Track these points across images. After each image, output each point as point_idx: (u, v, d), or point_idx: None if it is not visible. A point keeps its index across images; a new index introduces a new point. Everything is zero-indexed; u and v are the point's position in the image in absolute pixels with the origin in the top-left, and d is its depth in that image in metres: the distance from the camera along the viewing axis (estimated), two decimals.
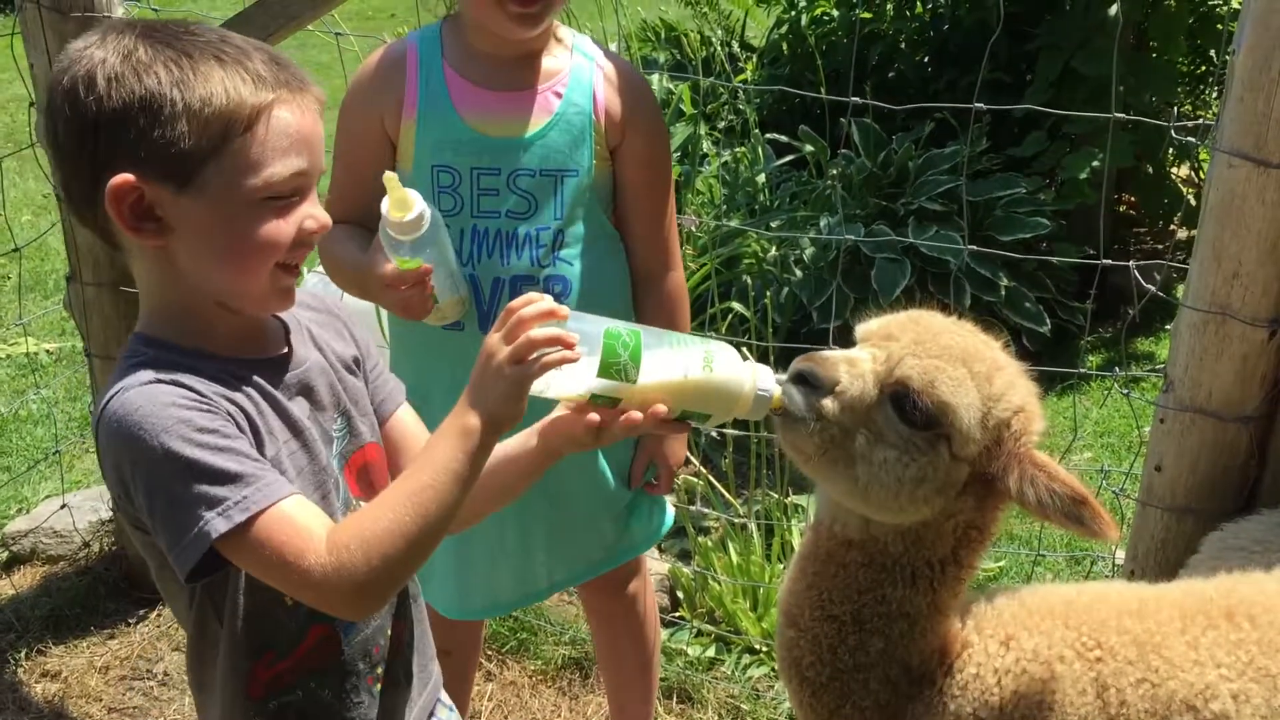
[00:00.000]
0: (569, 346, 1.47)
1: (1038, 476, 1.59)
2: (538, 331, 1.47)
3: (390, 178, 1.97)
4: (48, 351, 5.61)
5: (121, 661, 3.50)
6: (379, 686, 1.70)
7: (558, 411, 1.62)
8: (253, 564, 1.43)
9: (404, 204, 2.02)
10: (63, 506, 3.92)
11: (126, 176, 1.42)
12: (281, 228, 1.49)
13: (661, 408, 1.51)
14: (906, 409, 1.61)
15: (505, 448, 1.69)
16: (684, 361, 1.53)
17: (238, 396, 1.50)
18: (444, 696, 1.91)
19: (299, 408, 1.59)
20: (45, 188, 7.00)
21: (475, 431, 1.47)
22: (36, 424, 4.88)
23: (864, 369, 1.64)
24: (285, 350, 1.62)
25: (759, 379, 1.57)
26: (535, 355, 1.46)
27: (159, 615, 3.69)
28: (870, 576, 1.71)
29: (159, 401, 1.40)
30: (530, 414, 1.56)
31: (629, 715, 2.87)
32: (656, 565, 3.70)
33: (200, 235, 1.47)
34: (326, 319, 1.75)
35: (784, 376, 1.65)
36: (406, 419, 1.81)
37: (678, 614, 3.58)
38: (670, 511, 2.72)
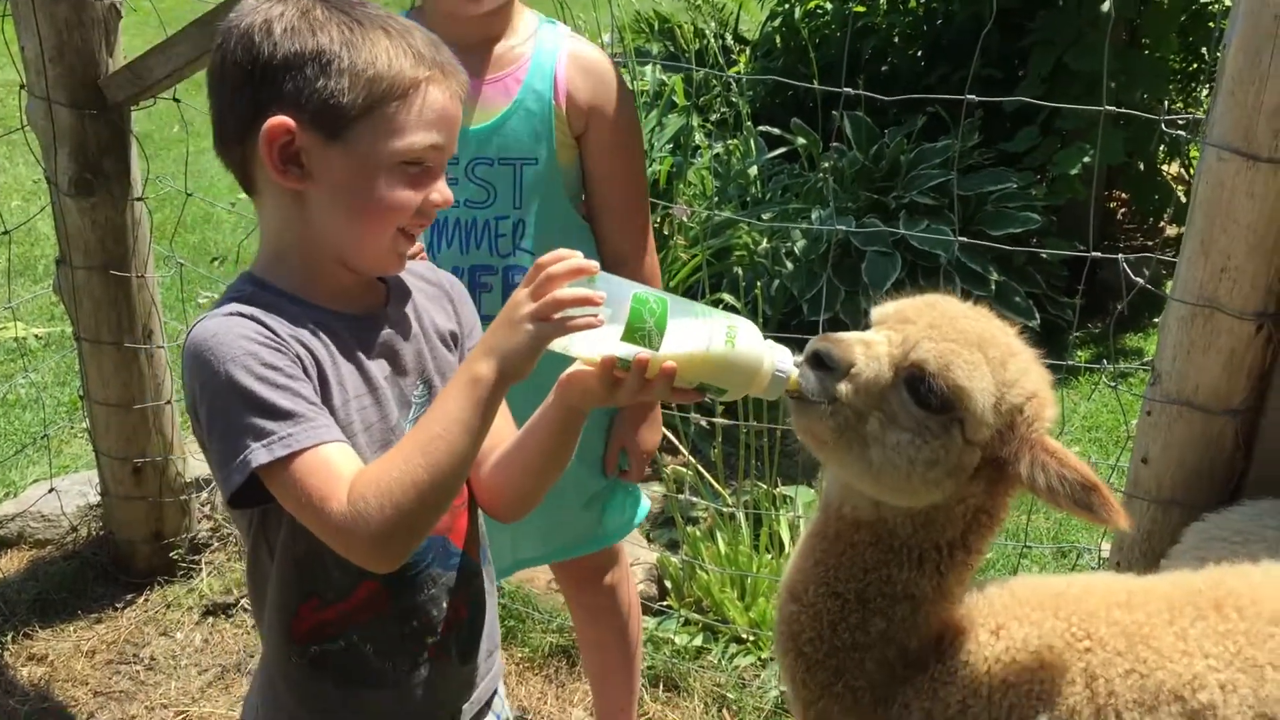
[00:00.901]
0: (595, 305, 1.48)
1: (1049, 462, 1.59)
2: (565, 291, 1.47)
3: None
4: (36, 336, 5.60)
5: (108, 646, 3.50)
6: (426, 655, 1.72)
7: (575, 367, 1.61)
8: (288, 500, 1.49)
9: None
10: (50, 490, 3.92)
11: (285, 118, 1.52)
12: (410, 194, 1.59)
13: (673, 365, 1.51)
14: (921, 392, 1.60)
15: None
16: (707, 334, 1.52)
17: (316, 344, 1.58)
18: (501, 691, 1.92)
19: (379, 367, 1.65)
20: (35, 173, 6.98)
21: (486, 381, 1.48)
22: (25, 408, 4.86)
23: (879, 351, 1.64)
24: (380, 312, 1.69)
25: (777, 359, 1.57)
26: (560, 315, 1.47)
27: (146, 600, 3.69)
28: (877, 556, 1.71)
29: (233, 332, 1.50)
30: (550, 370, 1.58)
31: (612, 705, 2.87)
32: (645, 554, 3.71)
33: (338, 187, 1.57)
34: (435, 292, 1.81)
35: (800, 358, 1.65)
36: None
37: (665, 603, 3.58)
38: (645, 503, 2.71)
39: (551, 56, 2.34)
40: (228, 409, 1.47)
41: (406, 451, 1.47)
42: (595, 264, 1.50)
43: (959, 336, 1.62)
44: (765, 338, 1.59)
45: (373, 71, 1.53)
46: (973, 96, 2.53)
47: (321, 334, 1.59)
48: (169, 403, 3.67)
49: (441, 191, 1.62)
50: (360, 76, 1.53)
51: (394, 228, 1.60)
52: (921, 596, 1.71)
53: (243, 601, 3.63)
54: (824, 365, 1.64)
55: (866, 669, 1.74)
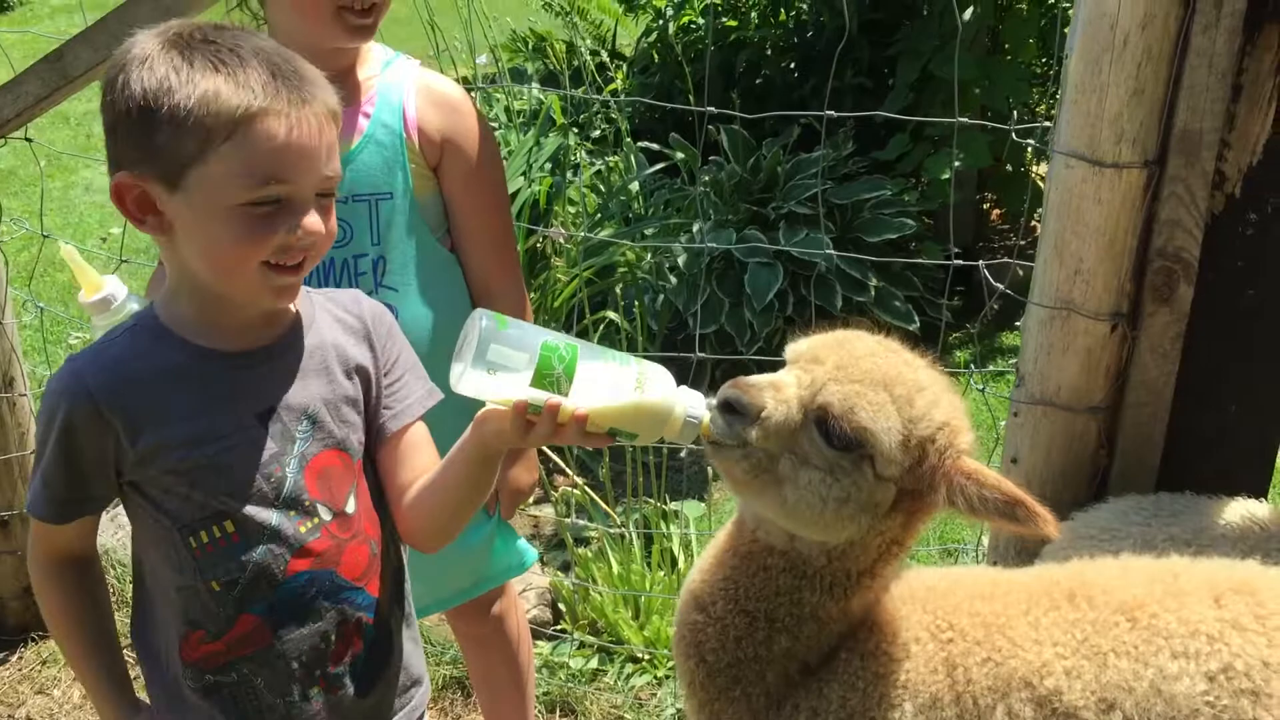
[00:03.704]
0: None
1: (966, 486, 1.63)
2: None
3: (70, 253, 2.04)
4: None
5: None
6: (318, 689, 1.73)
7: (490, 405, 1.64)
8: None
9: (92, 285, 2.06)
10: None
11: (128, 176, 1.55)
12: (261, 233, 1.56)
13: (584, 412, 1.54)
14: (830, 432, 1.63)
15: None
16: (616, 381, 1.56)
17: (164, 395, 1.62)
18: None
19: (250, 406, 1.67)
20: None
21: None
22: None
23: (789, 394, 1.66)
24: (271, 346, 1.70)
25: (689, 405, 1.61)
26: None
27: (20, 658, 3.55)
28: (790, 582, 1.74)
29: (64, 396, 1.61)
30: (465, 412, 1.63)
31: None
32: (538, 580, 3.68)
33: (188, 232, 1.58)
34: (354, 323, 1.80)
35: (713, 401, 1.67)
36: (414, 438, 1.83)
37: (559, 627, 3.56)
38: (532, 553, 2.70)
39: (398, 89, 2.30)
40: (39, 451, 1.66)
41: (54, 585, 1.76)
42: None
43: (864, 377, 1.65)
44: (680, 384, 1.62)
45: (194, 118, 1.51)
46: (832, 112, 2.56)
47: (182, 382, 1.63)
48: (34, 453, 3.53)
49: (305, 227, 1.58)
50: (183, 125, 1.51)
51: (251, 267, 1.58)
52: (827, 618, 1.75)
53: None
54: (735, 411, 1.66)
55: (767, 680, 1.77)
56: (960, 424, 1.69)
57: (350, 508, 1.73)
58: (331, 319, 1.77)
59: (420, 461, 1.80)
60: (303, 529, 1.68)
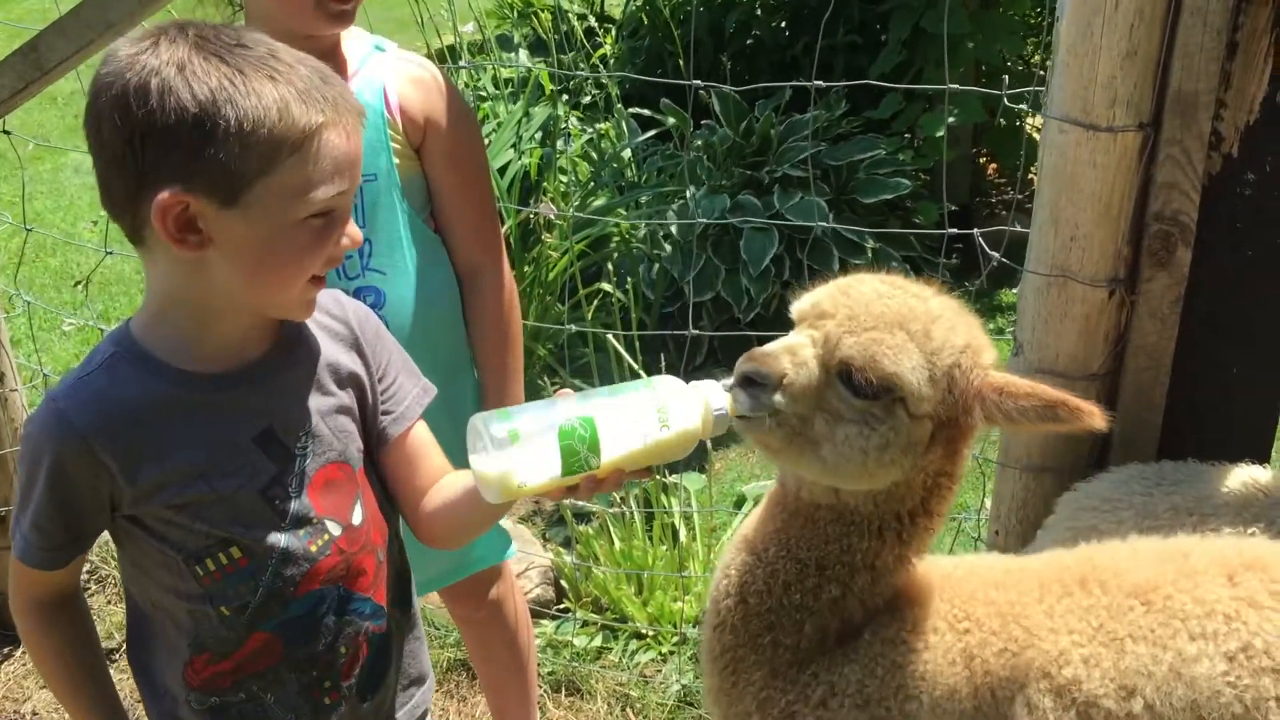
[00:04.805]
0: None
1: (1001, 402, 1.61)
2: None
3: None
4: None
5: None
6: (329, 700, 1.71)
7: None
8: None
9: None
10: None
11: (174, 194, 1.43)
12: (318, 246, 1.52)
13: (620, 472, 1.55)
14: (856, 384, 1.61)
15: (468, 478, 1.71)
16: (641, 427, 1.54)
17: (151, 429, 1.55)
18: None
19: (245, 427, 1.60)
20: None
21: None
22: None
23: (806, 355, 1.64)
24: (258, 361, 1.63)
25: (711, 401, 1.58)
26: None
27: (23, 653, 3.54)
28: (839, 529, 1.72)
29: (53, 435, 1.54)
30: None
31: (510, 716, 2.83)
32: (540, 559, 3.66)
33: (240, 249, 1.49)
34: (340, 328, 1.74)
35: (731, 381, 1.65)
36: (419, 440, 1.80)
37: (562, 606, 3.55)
38: (512, 549, 2.70)
39: (377, 69, 2.28)
40: (24, 496, 1.59)
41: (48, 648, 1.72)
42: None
43: (876, 322, 1.62)
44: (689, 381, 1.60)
45: (263, 130, 1.43)
46: (820, 83, 2.51)
47: (173, 411, 1.56)
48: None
49: (350, 235, 1.56)
50: (249, 138, 1.42)
51: (304, 281, 1.55)
52: (883, 567, 1.73)
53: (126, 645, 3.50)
54: (756, 383, 1.64)
55: (804, 632, 1.75)
56: (980, 342, 1.67)
57: (357, 519, 1.69)
58: (316, 327, 1.70)
59: (431, 463, 1.77)
60: (313, 548, 1.64)
